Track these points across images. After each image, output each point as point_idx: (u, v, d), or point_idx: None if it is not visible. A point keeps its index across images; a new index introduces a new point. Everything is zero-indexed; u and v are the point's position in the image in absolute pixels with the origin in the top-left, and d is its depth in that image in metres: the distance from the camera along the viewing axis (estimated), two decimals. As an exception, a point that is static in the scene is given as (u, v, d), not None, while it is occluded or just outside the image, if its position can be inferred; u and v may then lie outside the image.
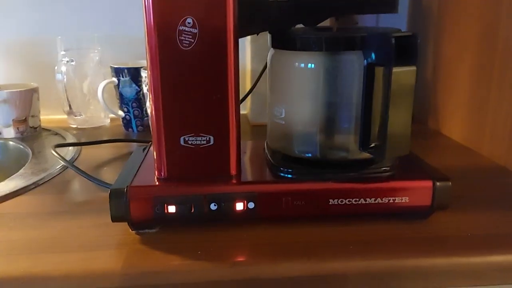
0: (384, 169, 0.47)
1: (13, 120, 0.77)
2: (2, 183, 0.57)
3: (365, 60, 0.43)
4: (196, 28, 0.41)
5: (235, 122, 0.45)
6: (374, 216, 0.47)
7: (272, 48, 0.50)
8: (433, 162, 0.50)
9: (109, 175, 0.61)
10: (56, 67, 0.82)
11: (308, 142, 0.48)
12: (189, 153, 0.44)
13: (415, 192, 0.45)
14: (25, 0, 0.88)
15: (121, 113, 0.82)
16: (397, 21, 0.89)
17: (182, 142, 0.44)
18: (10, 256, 0.41)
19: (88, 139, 0.77)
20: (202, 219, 0.44)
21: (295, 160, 0.48)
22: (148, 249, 0.42)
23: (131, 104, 0.80)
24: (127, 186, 0.44)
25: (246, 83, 0.83)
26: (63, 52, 0.81)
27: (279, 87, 0.50)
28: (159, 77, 0.42)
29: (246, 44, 0.83)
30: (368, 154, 0.45)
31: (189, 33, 0.41)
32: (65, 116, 0.86)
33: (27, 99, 0.78)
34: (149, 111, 0.75)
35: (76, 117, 0.85)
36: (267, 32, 0.49)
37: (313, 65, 0.46)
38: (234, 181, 0.45)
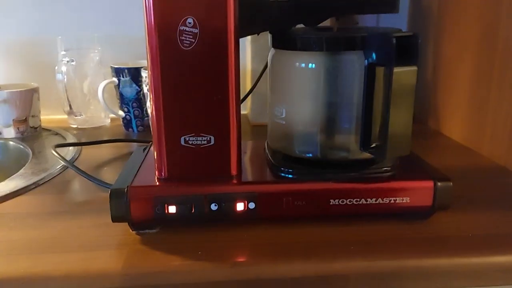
0: (385, 169, 0.47)
1: (13, 120, 0.77)
2: (2, 183, 0.57)
3: (366, 60, 0.43)
4: (197, 28, 0.41)
5: (236, 122, 0.45)
6: (375, 216, 0.47)
7: (272, 48, 0.50)
8: (433, 162, 0.50)
9: (109, 175, 0.61)
10: (56, 67, 0.82)
11: (309, 142, 0.48)
12: (190, 153, 0.44)
13: (416, 192, 0.45)
14: (25, 0, 0.88)
15: (121, 113, 0.82)
16: (397, 21, 0.89)
17: (182, 142, 0.44)
18: (10, 256, 0.41)
19: (89, 139, 0.77)
20: (202, 219, 0.44)
21: (295, 160, 0.48)
22: (148, 249, 0.42)
23: (132, 104, 0.80)
24: (127, 186, 0.44)
25: (246, 83, 0.83)
26: (63, 52, 0.81)
27: (279, 87, 0.50)
28: (159, 77, 0.42)
29: (246, 44, 0.83)
30: (369, 154, 0.45)
31: (189, 33, 0.41)
32: (66, 116, 0.86)
33: (27, 99, 0.78)
34: (149, 111, 0.75)
35: (77, 117, 0.85)
36: (268, 32, 0.49)
37: (313, 65, 0.46)
38: (234, 181, 0.45)
